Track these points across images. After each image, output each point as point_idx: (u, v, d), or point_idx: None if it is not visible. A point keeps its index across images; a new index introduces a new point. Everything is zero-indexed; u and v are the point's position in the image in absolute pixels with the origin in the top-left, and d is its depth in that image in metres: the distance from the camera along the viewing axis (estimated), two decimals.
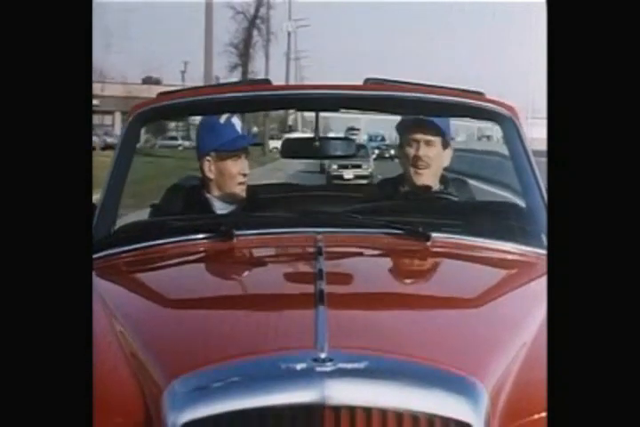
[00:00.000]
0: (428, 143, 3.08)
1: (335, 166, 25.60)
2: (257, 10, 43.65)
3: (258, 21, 44.03)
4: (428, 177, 3.09)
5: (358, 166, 25.80)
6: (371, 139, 60.43)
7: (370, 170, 25.71)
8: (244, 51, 44.32)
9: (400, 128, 3.18)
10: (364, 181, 22.81)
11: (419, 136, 3.08)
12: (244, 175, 3.16)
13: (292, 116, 59.26)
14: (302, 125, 64.39)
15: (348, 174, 24.75)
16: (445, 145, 3.12)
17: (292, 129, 60.37)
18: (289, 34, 50.97)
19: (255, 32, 44.25)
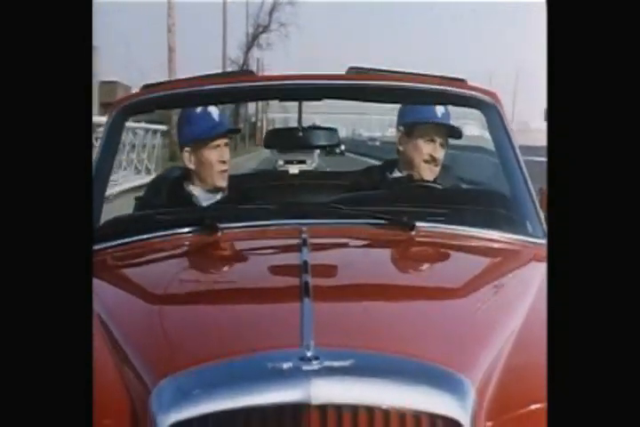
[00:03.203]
0: (442, 145, 2.94)
1: (281, 162, 25.24)
2: (244, 59, 56.28)
3: (244, 67, 56.30)
4: (435, 173, 2.95)
5: (303, 162, 25.39)
6: None
7: (314, 164, 25.35)
8: None
9: (414, 119, 2.97)
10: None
11: (438, 137, 2.93)
12: (224, 162, 2.88)
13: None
14: (268, 123, 65.08)
15: (294, 169, 24.25)
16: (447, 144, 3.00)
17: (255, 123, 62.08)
18: (257, 60, 60.77)
19: None
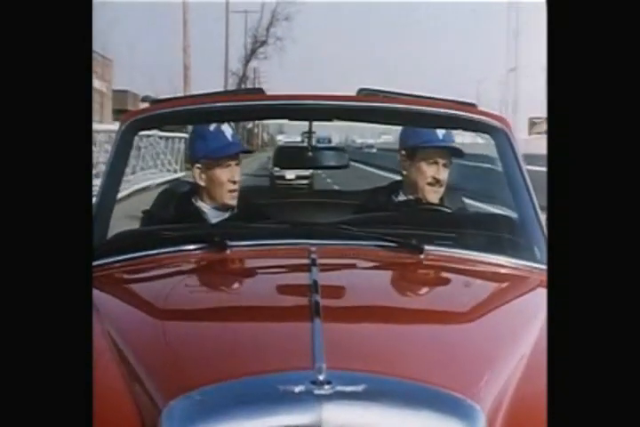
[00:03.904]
0: (445, 165, 2.89)
1: (277, 168, 24.93)
2: (243, 71, 60.98)
3: (244, 78, 61.38)
4: (439, 195, 2.90)
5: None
6: (318, 141, 60.64)
7: (310, 170, 25.05)
8: None
9: (416, 143, 2.92)
10: (306, 181, 22.30)
11: (440, 159, 2.88)
12: (234, 182, 2.82)
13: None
14: (262, 130, 65.50)
15: (290, 175, 24.03)
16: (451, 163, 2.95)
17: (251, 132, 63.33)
18: (254, 69, 65.43)
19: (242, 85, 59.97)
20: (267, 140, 76.37)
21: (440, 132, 2.84)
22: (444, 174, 2.86)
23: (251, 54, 61.00)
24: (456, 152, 2.91)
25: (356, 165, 36.96)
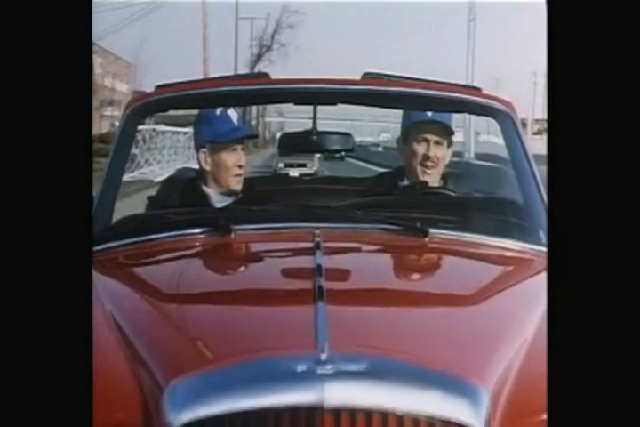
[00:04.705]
0: (437, 143, 2.80)
1: (281, 165, 24.61)
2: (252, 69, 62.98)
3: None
4: (435, 175, 2.81)
5: (303, 165, 24.70)
6: None
7: (314, 168, 24.63)
8: None
9: (408, 123, 2.87)
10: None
11: (429, 136, 2.80)
12: (240, 167, 2.79)
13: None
14: (265, 128, 65.85)
15: (294, 173, 23.76)
16: (450, 144, 2.85)
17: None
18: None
19: None
20: (268, 139, 76.46)
21: (430, 112, 2.78)
22: (435, 151, 2.77)
23: (257, 59, 63.55)
24: (444, 128, 2.80)
25: (361, 164, 35.73)
